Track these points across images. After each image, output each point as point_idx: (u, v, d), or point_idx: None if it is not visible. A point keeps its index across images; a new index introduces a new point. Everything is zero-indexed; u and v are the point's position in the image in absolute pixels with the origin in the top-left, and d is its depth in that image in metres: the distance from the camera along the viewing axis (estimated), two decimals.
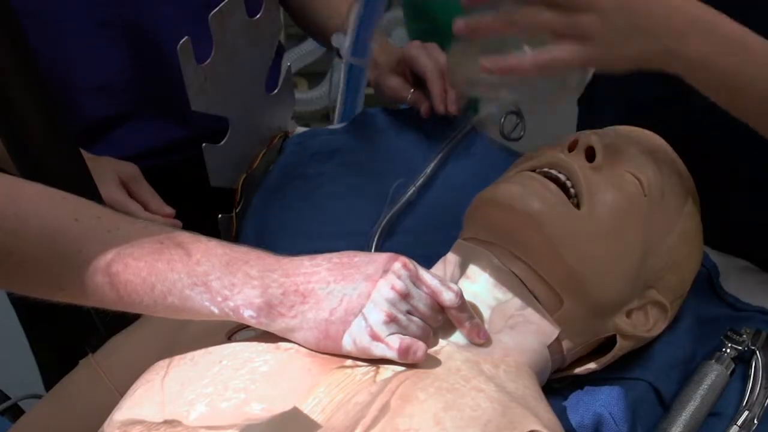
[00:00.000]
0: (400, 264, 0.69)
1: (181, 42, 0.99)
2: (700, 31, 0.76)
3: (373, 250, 1.01)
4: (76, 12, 1.09)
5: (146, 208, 1.05)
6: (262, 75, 1.06)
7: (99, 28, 1.11)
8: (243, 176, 1.15)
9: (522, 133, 1.20)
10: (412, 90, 1.14)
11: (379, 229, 1.03)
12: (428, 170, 1.11)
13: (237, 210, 1.15)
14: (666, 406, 0.81)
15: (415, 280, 0.69)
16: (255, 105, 1.14)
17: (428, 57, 1.11)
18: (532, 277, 0.76)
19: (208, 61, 1.02)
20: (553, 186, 0.75)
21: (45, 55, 0.97)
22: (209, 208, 1.16)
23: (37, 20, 1.06)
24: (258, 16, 1.04)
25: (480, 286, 0.76)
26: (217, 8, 0.99)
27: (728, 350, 0.84)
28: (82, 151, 0.95)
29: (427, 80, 1.11)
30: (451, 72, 0.93)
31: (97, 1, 1.10)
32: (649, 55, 0.77)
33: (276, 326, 0.68)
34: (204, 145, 1.09)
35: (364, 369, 0.67)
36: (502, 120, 1.19)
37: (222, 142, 1.10)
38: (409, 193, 1.08)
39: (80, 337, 0.88)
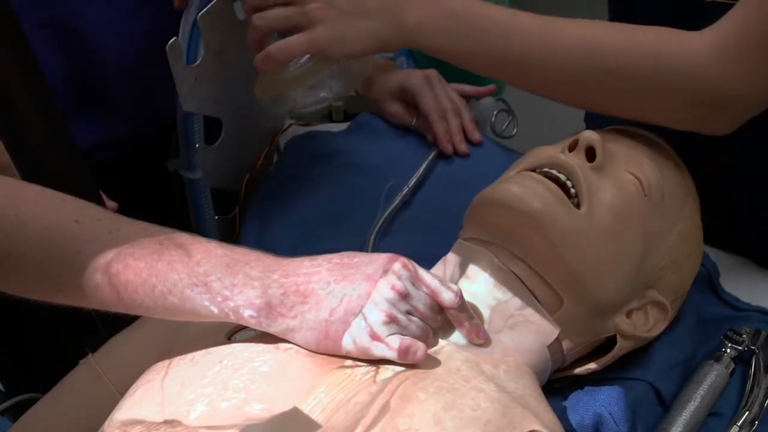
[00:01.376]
0: (400, 264, 0.69)
1: (170, 42, 0.99)
2: (418, 1, 0.85)
3: (370, 250, 1.02)
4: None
5: None
6: (254, 76, 1.06)
7: (37, 29, 1.11)
8: (246, 177, 1.15)
9: (514, 131, 1.20)
10: (416, 116, 1.17)
11: (375, 230, 1.04)
12: (420, 170, 1.11)
13: (237, 210, 1.15)
14: (666, 406, 0.81)
15: (415, 281, 0.69)
16: (247, 105, 1.14)
17: (431, 98, 1.15)
18: (532, 277, 0.76)
19: (198, 61, 1.02)
20: (553, 186, 0.75)
21: None
22: (154, 204, 1.16)
23: None
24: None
25: (480, 286, 0.76)
26: (206, 9, 0.99)
27: (728, 350, 0.84)
28: None
29: (431, 122, 1.14)
30: (257, 95, 1.01)
31: (33, 3, 1.09)
32: (382, 34, 0.87)
33: (276, 327, 0.69)
34: (197, 145, 1.09)
35: (364, 369, 0.67)
36: (493, 118, 1.20)
37: (216, 143, 1.10)
38: (404, 193, 1.08)
39: (80, 337, 0.88)
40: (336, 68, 0.95)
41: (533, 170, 0.78)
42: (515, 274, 0.76)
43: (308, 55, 0.94)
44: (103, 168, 1.08)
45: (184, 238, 0.70)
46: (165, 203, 1.23)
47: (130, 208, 1.05)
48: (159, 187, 1.23)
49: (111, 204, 1.05)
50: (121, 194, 1.07)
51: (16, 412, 0.94)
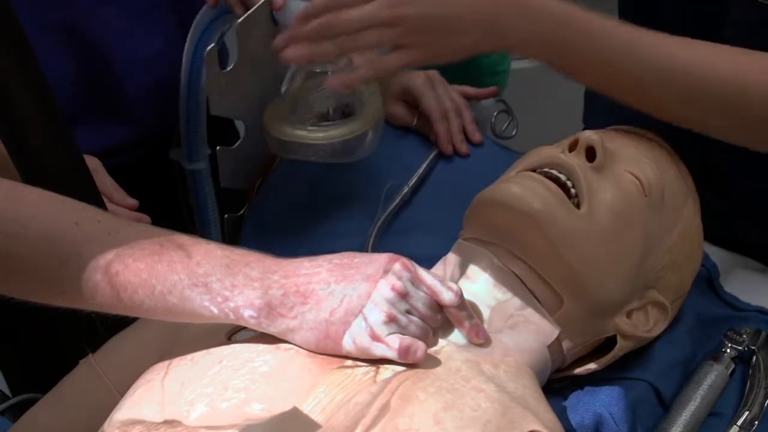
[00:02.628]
0: (400, 264, 0.69)
1: (207, 48, 1.00)
2: (514, 11, 0.83)
3: (370, 250, 1.02)
4: (20, 16, 1.09)
5: (110, 200, 1.05)
6: (282, 80, 1.07)
7: (44, 32, 1.10)
8: (259, 180, 1.15)
9: (514, 132, 1.21)
10: (417, 116, 1.16)
11: (375, 230, 1.04)
12: (420, 170, 1.11)
13: (245, 210, 1.15)
14: (666, 406, 0.81)
15: (415, 281, 0.69)
16: None
17: (434, 98, 1.14)
18: (533, 277, 0.76)
19: (230, 66, 1.03)
20: (553, 186, 0.75)
21: None
22: (165, 208, 1.16)
23: None
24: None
25: (480, 286, 0.76)
26: (245, 15, 1.00)
27: (728, 350, 0.84)
28: None
29: (432, 121, 1.14)
30: (266, 134, 1.01)
31: (40, 6, 1.09)
32: (480, 47, 0.86)
33: (276, 327, 0.69)
34: (218, 148, 1.09)
35: (364, 369, 0.67)
36: (493, 119, 1.20)
37: (235, 145, 1.11)
38: (404, 193, 1.08)
39: (80, 337, 0.88)
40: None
41: (533, 170, 0.78)
42: (515, 274, 0.76)
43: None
44: (112, 172, 1.08)
45: (185, 239, 0.70)
46: (174, 206, 1.23)
47: (139, 211, 1.06)
48: (168, 190, 1.23)
49: (130, 201, 1.05)
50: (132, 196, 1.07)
51: (16, 412, 0.94)
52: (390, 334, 0.67)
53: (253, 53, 1.04)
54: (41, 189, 0.70)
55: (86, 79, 1.15)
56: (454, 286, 0.70)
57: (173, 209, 1.24)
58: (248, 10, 1.02)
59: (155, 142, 1.21)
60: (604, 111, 0.87)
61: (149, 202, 1.10)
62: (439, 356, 0.69)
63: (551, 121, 1.21)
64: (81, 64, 1.14)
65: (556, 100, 1.42)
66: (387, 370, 0.67)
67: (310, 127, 0.99)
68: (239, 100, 1.06)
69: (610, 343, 0.80)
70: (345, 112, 1.02)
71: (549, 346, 0.76)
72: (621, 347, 0.79)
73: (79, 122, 1.17)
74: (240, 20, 0.99)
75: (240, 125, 1.15)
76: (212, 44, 1.01)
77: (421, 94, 1.14)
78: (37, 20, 1.09)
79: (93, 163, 1.06)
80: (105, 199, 1.04)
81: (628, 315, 0.79)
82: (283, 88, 1.03)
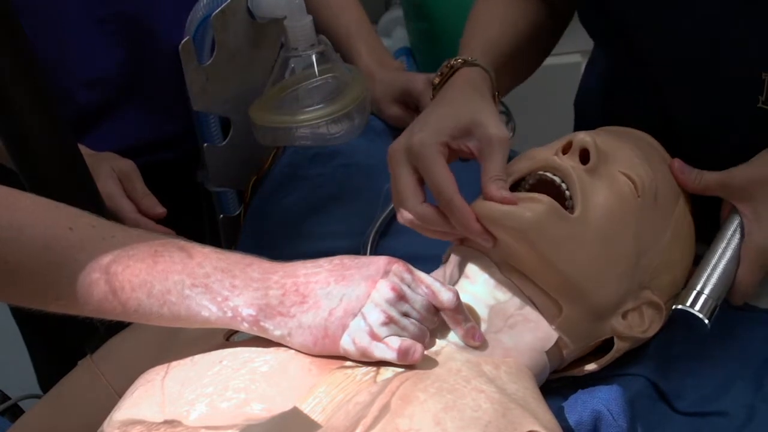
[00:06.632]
0: (399, 266, 0.69)
1: (182, 42, 0.99)
2: None
3: (369, 250, 1.02)
4: (76, 8, 1.09)
5: (138, 206, 1.04)
6: (265, 76, 1.07)
7: (98, 24, 1.10)
8: (253, 178, 1.15)
9: (512, 134, 1.20)
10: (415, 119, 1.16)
11: (375, 230, 1.04)
12: None
13: (241, 210, 1.15)
14: (666, 400, 0.80)
15: (413, 282, 0.70)
16: None
17: None
18: (529, 286, 0.75)
19: (209, 61, 1.02)
20: (545, 197, 0.74)
21: (42, 49, 0.96)
22: (198, 207, 1.15)
23: (36, 15, 1.06)
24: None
25: (479, 287, 0.76)
26: (219, 8, 0.99)
27: None
28: (81, 147, 0.94)
29: None
30: (253, 126, 1.00)
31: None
32: None
33: (274, 328, 0.69)
34: (205, 145, 1.09)
35: (365, 369, 0.67)
36: None
37: (223, 143, 1.10)
38: None
39: (79, 337, 0.88)
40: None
41: (528, 173, 0.78)
42: (513, 282, 0.76)
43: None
44: (148, 169, 1.07)
45: (183, 242, 0.70)
46: (200, 215, 1.22)
47: (174, 214, 1.04)
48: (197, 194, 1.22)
49: (159, 210, 1.03)
50: (168, 197, 1.06)
51: (16, 412, 0.95)
52: (389, 335, 0.67)
53: (231, 46, 1.03)
54: (36, 195, 0.70)
55: (139, 70, 1.15)
56: (451, 288, 0.71)
57: (199, 215, 1.23)
58: None
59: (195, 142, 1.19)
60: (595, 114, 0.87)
61: (179, 205, 1.09)
62: (439, 357, 0.70)
63: (550, 121, 1.20)
64: (134, 56, 1.14)
65: (555, 100, 1.42)
66: (387, 371, 0.67)
67: (295, 112, 0.99)
68: (221, 95, 1.05)
69: (606, 342, 0.80)
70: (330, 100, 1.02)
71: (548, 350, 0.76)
72: (618, 348, 0.79)
73: (125, 110, 1.16)
74: (214, 13, 0.98)
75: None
76: (187, 36, 1.00)
77: (422, 96, 1.14)
78: (92, 13, 1.09)
79: (128, 166, 1.05)
80: (133, 206, 1.02)
81: (624, 316, 0.79)
82: (269, 83, 1.03)
